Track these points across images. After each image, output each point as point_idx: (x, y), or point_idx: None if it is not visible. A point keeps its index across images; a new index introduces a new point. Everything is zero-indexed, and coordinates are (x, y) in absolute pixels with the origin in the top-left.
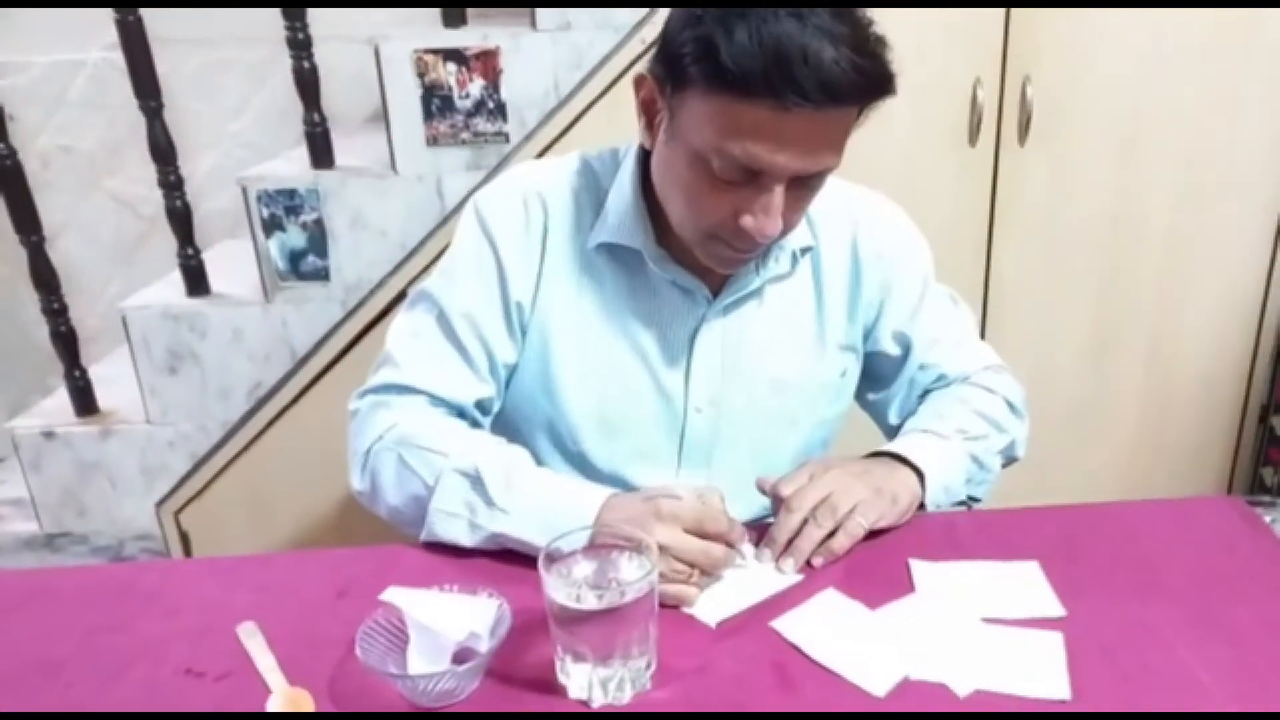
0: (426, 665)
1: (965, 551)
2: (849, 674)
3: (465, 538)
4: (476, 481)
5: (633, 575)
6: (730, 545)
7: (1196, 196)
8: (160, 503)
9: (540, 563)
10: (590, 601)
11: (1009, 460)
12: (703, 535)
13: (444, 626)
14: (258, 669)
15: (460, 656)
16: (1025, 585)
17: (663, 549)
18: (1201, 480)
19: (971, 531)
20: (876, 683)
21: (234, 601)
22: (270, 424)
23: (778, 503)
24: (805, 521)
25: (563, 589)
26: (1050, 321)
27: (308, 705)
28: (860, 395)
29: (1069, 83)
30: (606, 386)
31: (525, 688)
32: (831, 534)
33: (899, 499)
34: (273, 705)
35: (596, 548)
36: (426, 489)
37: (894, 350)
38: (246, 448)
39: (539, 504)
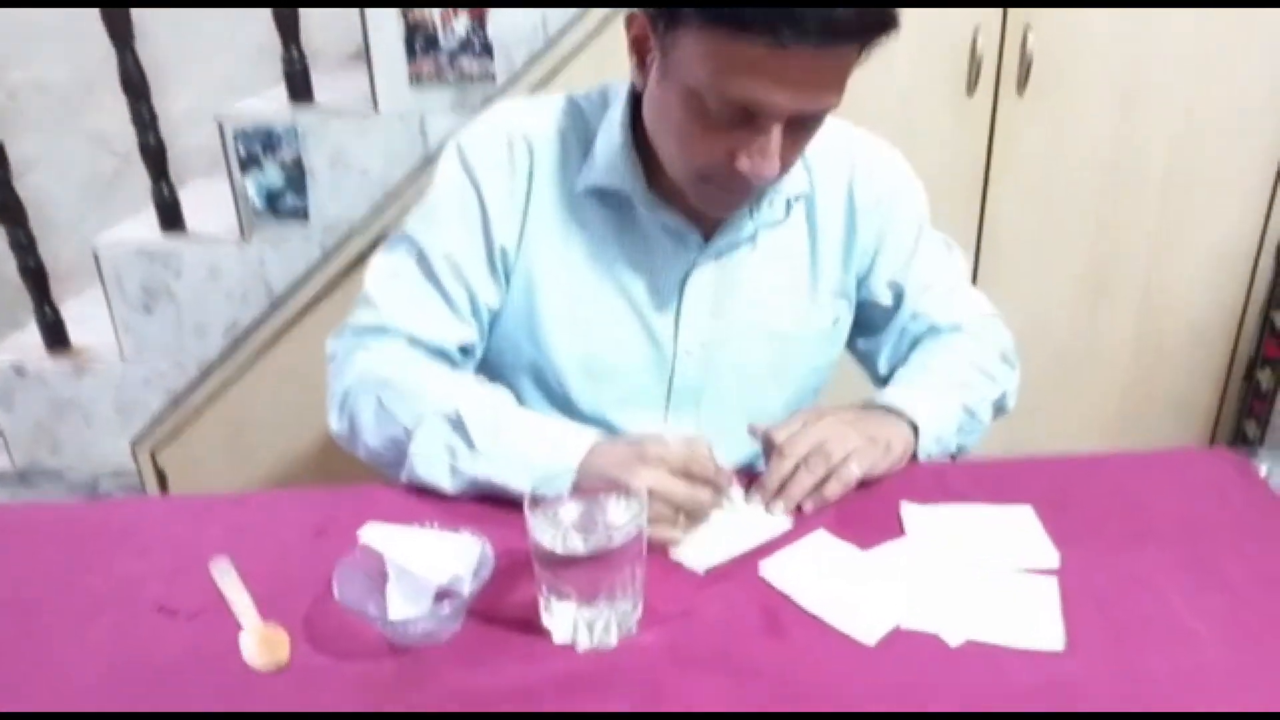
0: (407, 606)
1: (957, 500)
2: (839, 623)
3: (446, 482)
4: (458, 425)
5: (620, 519)
6: (718, 490)
7: (1193, 149)
8: (136, 441)
9: (526, 505)
10: (576, 545)
11: (999, 410)
12: (689, 479)
13: (425, 569)
14: (230, 607)
15: (442, 596)
16: (1019, 531)
17: (648, 492)
18: (1188, 430)
19: (964, 481)
20: (867, 632)
21: (208, 540)
22: (249, 364)
23: (769, 449)
24: (798, 467)
25: (548, 532)
26: (1043, 270)
27: (282, 642)
28: (850, 343)
29: (1069, 33)
30: (593, 332)
31: (509, 629)
32: (824, 481)
33: (892, 447)
34: (245, 642)
35: (584, 490)
36: (405, 432)
37: (886, 299)
38: (224, 387)
39: (522, 448)
